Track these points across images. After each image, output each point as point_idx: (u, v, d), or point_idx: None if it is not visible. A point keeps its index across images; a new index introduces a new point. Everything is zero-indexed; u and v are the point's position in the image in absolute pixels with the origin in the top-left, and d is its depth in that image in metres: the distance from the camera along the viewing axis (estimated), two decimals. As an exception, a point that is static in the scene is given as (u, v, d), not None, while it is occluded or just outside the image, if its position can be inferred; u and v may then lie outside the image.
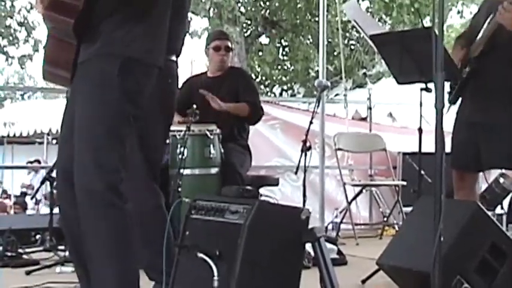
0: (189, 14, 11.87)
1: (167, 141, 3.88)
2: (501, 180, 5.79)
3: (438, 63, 2.27)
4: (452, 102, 3.72)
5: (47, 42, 2.59)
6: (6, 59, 14.19)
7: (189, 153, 4.13)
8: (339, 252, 4.51)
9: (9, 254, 4.33)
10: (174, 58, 3.19)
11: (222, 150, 4.38)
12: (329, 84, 5.31)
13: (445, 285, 2.59)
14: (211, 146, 4.26)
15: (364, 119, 7.75)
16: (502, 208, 5.91)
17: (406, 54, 3.69)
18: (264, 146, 6.61)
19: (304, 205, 4.38)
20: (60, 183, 2.54)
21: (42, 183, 4.76)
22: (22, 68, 15.56)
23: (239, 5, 13.70)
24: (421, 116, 4.07)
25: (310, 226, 2.59)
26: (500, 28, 3.45)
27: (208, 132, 4.26)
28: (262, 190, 4.95)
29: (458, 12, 14.34)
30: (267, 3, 14.51)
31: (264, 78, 15.19)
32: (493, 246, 3.02)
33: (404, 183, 6.16)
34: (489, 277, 3.00)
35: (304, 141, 4.47)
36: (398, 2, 13.04)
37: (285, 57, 15.26)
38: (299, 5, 13.87)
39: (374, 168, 6.86)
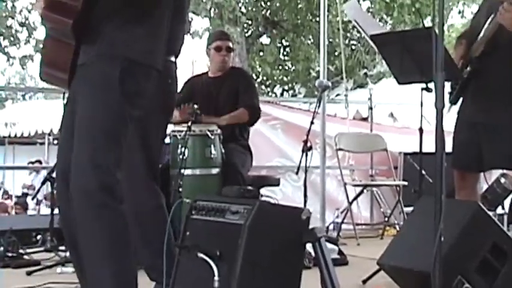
0: (190, 14, 11.91)
1: (167, 141, 3.88)
2: (502, 180, 5.78)
3: (438, 63, 2.26)
4: (453, 102, 3.72)
5: (44, 42, 2.58)
6: (8, 60, 14.20)
7: (190, 154, 4.13)
8: (340, 253, 4.51)
9: (10, 254, 4.33)
10: (173, 59, 3.18)
11: (223, 151, 4.38)
12: (330, 84, 5.29)
13: (446, 285, 2.59)
14: (212, 146, 4.25)
15: (365, 119, 7.74)
16: (503, 208, 5.89)
17: (407, 54, 3.69)
18: (265, 146, 6.61)
19: (305, 205, 4.38)
20: (60, 184, 2.54)
21: (43, 183, 4.76)
22: (23, 69, 15.58)
23: (240, 5, 13.70)
24: (421, 116, 4.06)
25: (311, 226, 2.59)
26: (500, 28, 3.45)
27: (209, 133, 4.26)
28: (263, 190, 4.95)
29: (459, 12, 14.35)
30: (268, 4, 14.52)
31: (265, 78, 15.19)
32: (494, 246, 3.02)
33: (405, 183, 6.16)
34: (490, 277, 2.99)
35: (305, 142, 4.47)
36: (399, 2, 13.04)
37: (286, 58, 15.26)
38: (300, 5, 13.87)
39: (375, 168, 6.84)
